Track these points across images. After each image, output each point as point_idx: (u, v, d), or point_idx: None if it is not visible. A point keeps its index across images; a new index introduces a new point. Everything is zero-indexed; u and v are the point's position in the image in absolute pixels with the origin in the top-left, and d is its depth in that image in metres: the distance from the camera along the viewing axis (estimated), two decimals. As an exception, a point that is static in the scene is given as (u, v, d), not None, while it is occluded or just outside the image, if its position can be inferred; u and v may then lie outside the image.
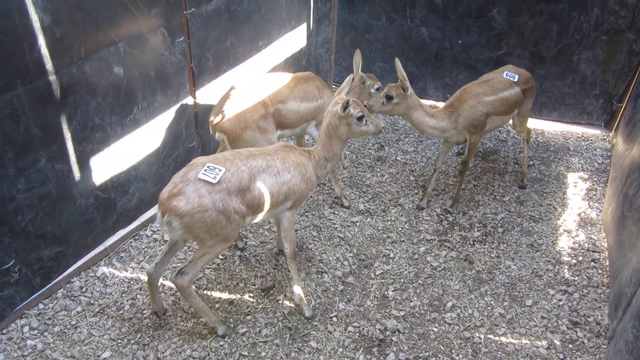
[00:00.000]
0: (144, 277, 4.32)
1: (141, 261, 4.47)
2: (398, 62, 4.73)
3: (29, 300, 3.84)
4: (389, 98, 4.80)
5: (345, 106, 3.85)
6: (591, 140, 6.75)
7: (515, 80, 5.20)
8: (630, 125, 5.27)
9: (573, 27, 6.22)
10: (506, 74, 5.22)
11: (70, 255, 4.07)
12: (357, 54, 5.30)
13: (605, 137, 6.79)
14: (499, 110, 5.11)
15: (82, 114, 3.73)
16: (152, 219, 4.82)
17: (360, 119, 3.97)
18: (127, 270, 4.37)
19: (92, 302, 4.07)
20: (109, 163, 4.12)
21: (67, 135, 3.66)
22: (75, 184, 3.86)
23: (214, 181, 3.38)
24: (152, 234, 4.74)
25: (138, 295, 4.17)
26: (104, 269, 4.34)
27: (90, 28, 3.58)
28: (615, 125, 6.56)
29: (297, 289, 4.15)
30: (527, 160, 5.85)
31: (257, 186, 3.58)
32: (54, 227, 3.82)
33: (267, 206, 3.70)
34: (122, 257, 4.49)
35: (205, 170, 3.41)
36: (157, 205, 4.74)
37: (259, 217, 3.79)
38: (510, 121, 5.56)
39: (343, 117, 3.90)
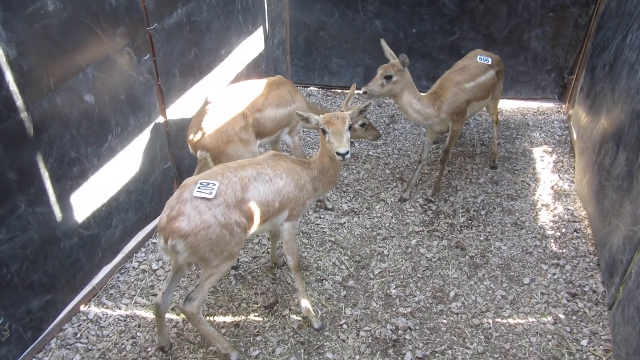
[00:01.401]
0: (140, 312, 4.08)
1: (133, 295, 4.21)
2: (384, 43, 4.83)
3: (21, 357, 3.52)
4: (388, 77, 4.78)
5: (306, 118, 3.76)
6: (547, 113, 6.98)
7: (489, 63, 5.28)
8: (591, 97, 5.46)
9: (521, 7, 6.39)
10: (479, 58, 5.28)
11: (59, 302, 3.77)
12: (353, 87, 5.04)
13: (559, 109, 7.04)
14: (479, 96, 5.19)
15: (58, 150, 3.44)
16: (135, 250, 4.55)
17: (323, 132, 3.69)
18: (120, 308, 4.10)
19: (89, 347, 3.79)
20: (89, 197, 3.84)
21: (45, 174, 3.37)
22: (57, 225, 3.57)
23: (211, 196, 3.28)
24: (138, 265, 4.47)
25: (138, 333, 3.92)
26: (95, 310, 4.06)
27: (57, 56, 3.30)
28: (569, 97, 6.82)
29: (304, 302, 4.05)
30: (496, 141, 5.97)
31: (250, 195, 3.48)
32: (41, 275, 3.52)
33: (263, 215, 3.60)
34: (111, 294, 4.22)
35: (199, 187, 3.31)
36: (141, 234, 4.55)
37: (258, 229, 3.68)
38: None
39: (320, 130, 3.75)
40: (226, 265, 3.49)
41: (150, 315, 4.06)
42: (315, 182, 3.92)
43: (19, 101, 3.07)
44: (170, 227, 3.22)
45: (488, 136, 6.51)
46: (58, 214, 3.56)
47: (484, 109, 5.69)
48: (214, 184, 3.34)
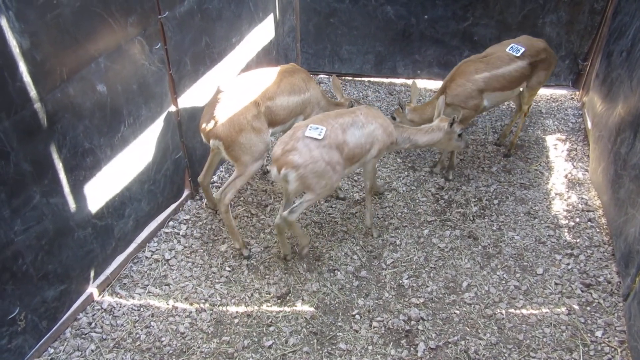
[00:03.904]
0: (154, 302, 4.10)
1: (146, 285, 4.23)
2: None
3: (37, 346, 3.55)
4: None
5: (452, 122, 4.62)
6: (560, 100, 6.89)
7: (518, 54, 5.05)
8: (607, 84, 5.38)
9: (536, -8, 6.28)
10: (510, 48, 5.09)
11: (73, 292, 3.80)
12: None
13: (573, 96, 6.95)
14: (496, 87, 5.07)
15: (71, 140, 3.43)
16: (148, 239, 4.56)
17: (460, 135, 4.74)
18: (133, 298, 4.12)
19: (104, 337, 3.82)
20: (103, 188, 3.84)
21: (59, 165, 3.37)
22: (71, 216, 3.58)
23: (320, 137, 3.92)
24: (151, 255, 4.48)
25: (152, 323, 3.94)
26: (109, 300, 4.08)
27: (70, 46, 3.27)
28: (583, 83, 6.72)
29: (369, 214, 4.75)
30: (519, 132, 5.80)
31: (349, 139, 4.12)
32: (55, 265, 3.54)
33: (356, 156, 4.24)
34: (125, 284, 4.23)
35: (309, 129, 3.94)
36: (153, 223, 4.56)
37: (352, 167, 4.34)
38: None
39: (448, 132, 4.65)
40: (326, 193, 4.13)
41: (163, 304, 4.08)
42: (400, 138, 4.59)
43: (32, 92, 3.05)
44: (284, 159, 3.87)
45: (500, 124, 6.44)
46: (72, 205, 3.56)
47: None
48: (322, 129, 3.95)
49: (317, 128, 3.95)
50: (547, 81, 6.76)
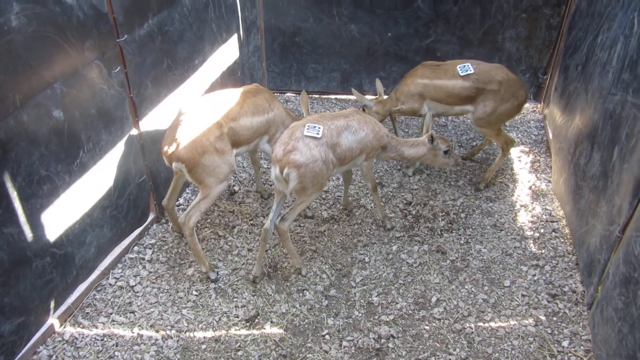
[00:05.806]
0: (118, 331, 3.99)
1: (110, 313, 4.12)
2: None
3: (-6, 384, 3.42)
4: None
5: (431, 139, 4.70)
6: (523, 113, 7.02)
7: (462, 74, 5.12)
8: (565, 97, 5.51)
9: (495, 9, 6.42)
10: (462, 65, 5.16)
11: (32, 324, 3.67)
12: (303, 94, 4.86)
13: (535, 109, 7.10)
14: (435, 97, 5.33)
15: (27, 168, 3.34)
16: (112, 266, 4.46)
17: (446, 152, 4.78)
18: (97, 327, 4.00)
19: (66, 369, 3.70)
20: (62, 215, 3.74)
21: (13, 194, 3.27)
22: (28, 245, 3.47)
23: (318, 136, 4.04)
24: (115, 282, 4.38)
25: (116, 352, 3.83)
26: (71, 331, 3.96)
27: (23, 72, 3.20)
28: (544, 96, 6.88)
29: (381, 213, 5.05)
30: (495, 168, 5.62)
31: (342, 141, 4.24)
32: (12, 298, 3.42)
33: (346, 159, 4.35)
34: (87, 313, 4.12)
35: (307, 128, 4.04)
36: (117, 249, 4.47)
37: (341, 169, 4.46)
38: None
39: (431, 148, 4.73)
40: (315, 194, 4.23)
41: (128, 333, 3.98)
42: (389, 146, 4.68)
43: (-17, 121, 2.97)
44: (286, 159, 3.95)
45: (466, 138, 6.53)
46: (28, 234, 3.46)
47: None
48: (320, 127, 4.07)
49: (315, 127, 4.06)
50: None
